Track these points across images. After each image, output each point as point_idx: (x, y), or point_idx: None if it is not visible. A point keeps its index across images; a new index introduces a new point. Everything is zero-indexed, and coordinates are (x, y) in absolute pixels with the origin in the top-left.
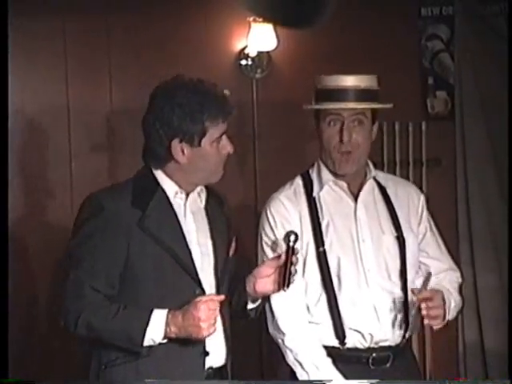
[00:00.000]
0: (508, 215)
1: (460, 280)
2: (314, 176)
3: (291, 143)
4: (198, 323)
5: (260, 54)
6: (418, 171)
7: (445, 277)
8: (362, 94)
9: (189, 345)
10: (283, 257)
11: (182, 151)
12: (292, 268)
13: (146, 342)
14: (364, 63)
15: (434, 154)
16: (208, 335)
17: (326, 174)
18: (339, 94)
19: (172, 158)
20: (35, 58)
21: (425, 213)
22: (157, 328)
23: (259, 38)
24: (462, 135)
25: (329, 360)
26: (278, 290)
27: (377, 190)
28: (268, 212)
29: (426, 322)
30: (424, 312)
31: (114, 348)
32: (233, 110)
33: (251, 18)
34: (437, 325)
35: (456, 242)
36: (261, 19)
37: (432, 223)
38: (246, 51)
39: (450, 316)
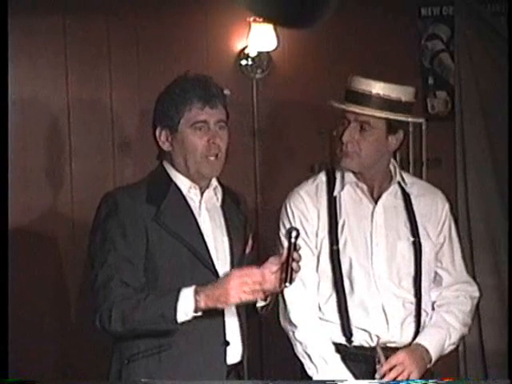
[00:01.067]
0: (508, 215)
1: (476, 294)
2: (337, 175)
3: (291, 143)
4: (229, 290)
5: (260, 54)
6: (418, 171)
7: (456, 297)
8: (374, 101)
9: (210, 335)
10: (285, 253)
11: (167, 138)
12: (294, 264)
13: (180, 318)
14: (364, 63)
15: (434, 153)
16: (234, 302)
17: (349, 175)
18: (351, 96)
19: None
20: (35, 56)
21: (447, 222)
22: (187, 300)
23: (259, 38)
24: (461, 135)
25: (337, 355)
26: (280, 286)
27: (399, 196)
28: (287, 206)
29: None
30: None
31: (135, 342)
32: (219, 96)
33: (251, 19)
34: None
35: None
36: (261, 19)
37: (453, 233)
38: (246, 51)
39: (448, 350)
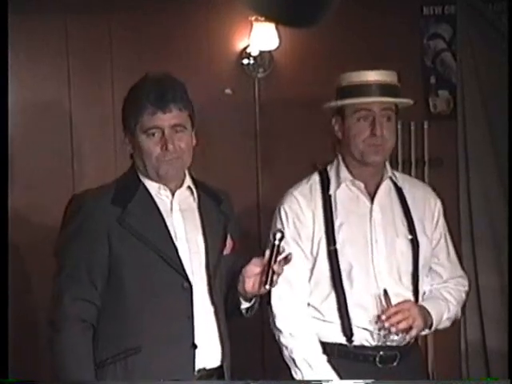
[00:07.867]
0: (509, 214)
1: (466, 289)
2: (331, 174)
3: (293, 142)
4: None
5: (262, 53)
6: (420, 170)
7: (447, 286)
8: (390, 89)
9: (177, 339)
10: (267, 255)
11: (129, 141)
12: (275, 266)
13: None
14: (366, 62)
15: (436, 153)
16: None
17: (345, 173)
18: (369, 89)
19: None
20: (36, 56)
21: (441, 219)
22: None
23: (261, 37)
24: (463, 134)
25: (324, 358)
26: (259, 288)
27: (393, 191)
28: (281, 208)
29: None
30: (393, 329)
31: (104, 347)
32: (175, 100)
33: (253, 18)
34: (414, 335)
35: (458, 242)
36: (263, 18)
37: (446, 229)
38: (248, 50)
39: (442, 325)
